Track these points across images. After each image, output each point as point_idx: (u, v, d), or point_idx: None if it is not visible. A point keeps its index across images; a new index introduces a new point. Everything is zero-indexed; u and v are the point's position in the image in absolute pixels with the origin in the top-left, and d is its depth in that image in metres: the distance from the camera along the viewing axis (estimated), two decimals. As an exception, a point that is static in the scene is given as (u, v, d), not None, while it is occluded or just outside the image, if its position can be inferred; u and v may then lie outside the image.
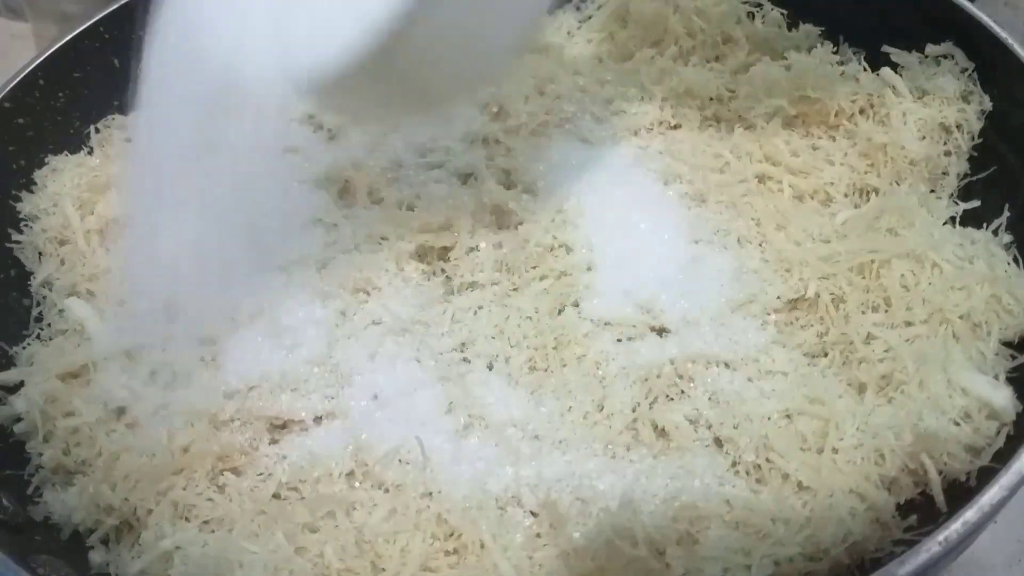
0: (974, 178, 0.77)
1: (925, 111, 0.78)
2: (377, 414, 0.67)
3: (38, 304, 0.78)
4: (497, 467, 0.63)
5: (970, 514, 0.51)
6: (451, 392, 0.67)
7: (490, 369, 0.69)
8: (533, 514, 0.61)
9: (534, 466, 0.63)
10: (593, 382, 0.67)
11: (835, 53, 0.88)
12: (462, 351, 0.70)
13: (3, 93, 0.80)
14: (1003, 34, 0.74)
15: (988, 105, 0.77)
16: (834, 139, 0.82)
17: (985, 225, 0.71)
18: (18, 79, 0.81)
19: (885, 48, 0.84)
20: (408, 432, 0.64)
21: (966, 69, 0.78)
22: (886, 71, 0.82)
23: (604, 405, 0.66)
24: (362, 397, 0.68)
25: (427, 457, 0.63)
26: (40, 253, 0.80)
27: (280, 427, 0.67)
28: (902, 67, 0.82)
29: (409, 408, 0.67)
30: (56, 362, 0.71)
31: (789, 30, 0.91)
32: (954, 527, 0.51)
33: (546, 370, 0.68)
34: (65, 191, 0.81)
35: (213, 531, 0.61)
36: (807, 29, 0.90)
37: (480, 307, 0.72)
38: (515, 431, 0.65)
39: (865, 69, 0.84)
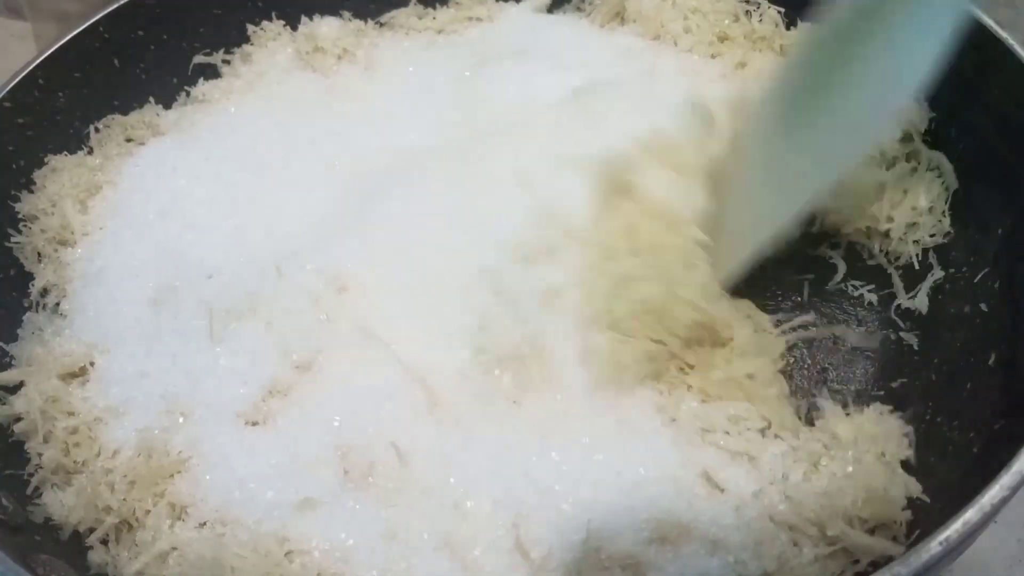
0: (974, 179, 0.77)
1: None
2: (356, 417, 0.66)
3: (38, 304, 0.78)
4: (473, 476, 0.63)
5: (970, 514, 0.51)
6: (430, 395, 0.67)
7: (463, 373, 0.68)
8: (507, 527, 0.61)
9: (508, 478, 0.62)
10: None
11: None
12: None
13: (3, 93, 0.80)
14: (1003, 34, 0.73)
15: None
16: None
17: (985, 226, 0.71)
18: (18, 79, 0.81)
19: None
20: (386, 437, 0.64)
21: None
22: None
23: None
24: (340, 401, 0.67)
25: (404, 463, 0.63)
26: (39, 253, 0.80)
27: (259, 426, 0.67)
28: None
29: (388, 412, 0.66)
30: (56, 362, 0.71)
31: (787, 28, 0.91)
32: (954, 527, 0.50)
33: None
34: (64, 191, 0.81)
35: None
36: (805, 28, 0.90)
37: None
38: (492, 438, 0.65)
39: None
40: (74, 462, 0.66)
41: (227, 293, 0.73)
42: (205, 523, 0.62)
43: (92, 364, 0.72)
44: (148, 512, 0.63)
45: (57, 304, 0.77)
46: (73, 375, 0.71)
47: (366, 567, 0.59)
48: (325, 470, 0.64)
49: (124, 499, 0.63)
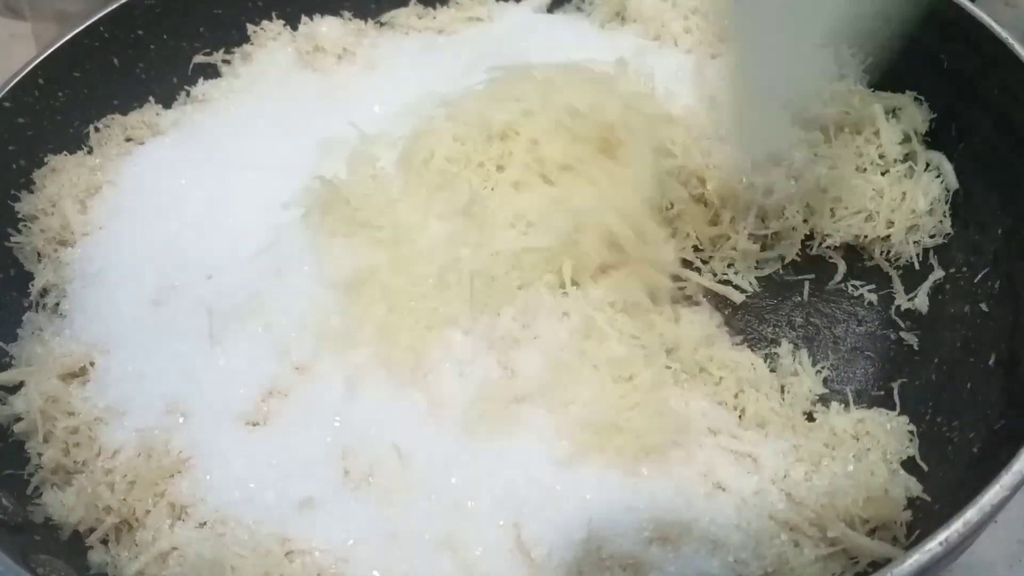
0: (974, 179, 0.77)
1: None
2: (357, 418, 0.66)
3: (38, 304, 0.78)
4: (474, 476, 0.63)
5: (970, 514, 0.51)
6: (430, 395, 0.67)
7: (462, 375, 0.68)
8: (507, 527, 0.61)
9: (508, 478, 0.62)
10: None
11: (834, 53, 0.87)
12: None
13: (3, 93, 0.80)
14: (1003, 34, 0.73)
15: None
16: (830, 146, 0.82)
17: (985, 226, 0.71)
18: (18, 79, 0.81)
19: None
20: (387, 437, 0.64)
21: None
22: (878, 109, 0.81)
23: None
24: (341, 401, 0.67)
25: (404, 463, 0.63)
26: (39, 254, 0.80)
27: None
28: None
29: (389, 412, 0.66)
30: (56, 362, 0.71)
31: (788, 29, 0.91)
32: (954, 527, 0.51)
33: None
34: (64, 191, 0.81)
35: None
36: (806, 28, 0.90)
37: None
38: (493, 438, 0.64)
39: (867, 83, 0.84)
40: (74, 462, 0.66)
41: (227, 293, 0.74)
42: (205, 523, 0.62)
43: (92, 364, 0.72)
44: (148, 512, 0.63)
45: (57, 304, 0.77)
46: (73, 375, 0.71)
47: (367, 567, 0.59)
48: (325, 470, 0.64)
49: (124, 499, 0.63)
